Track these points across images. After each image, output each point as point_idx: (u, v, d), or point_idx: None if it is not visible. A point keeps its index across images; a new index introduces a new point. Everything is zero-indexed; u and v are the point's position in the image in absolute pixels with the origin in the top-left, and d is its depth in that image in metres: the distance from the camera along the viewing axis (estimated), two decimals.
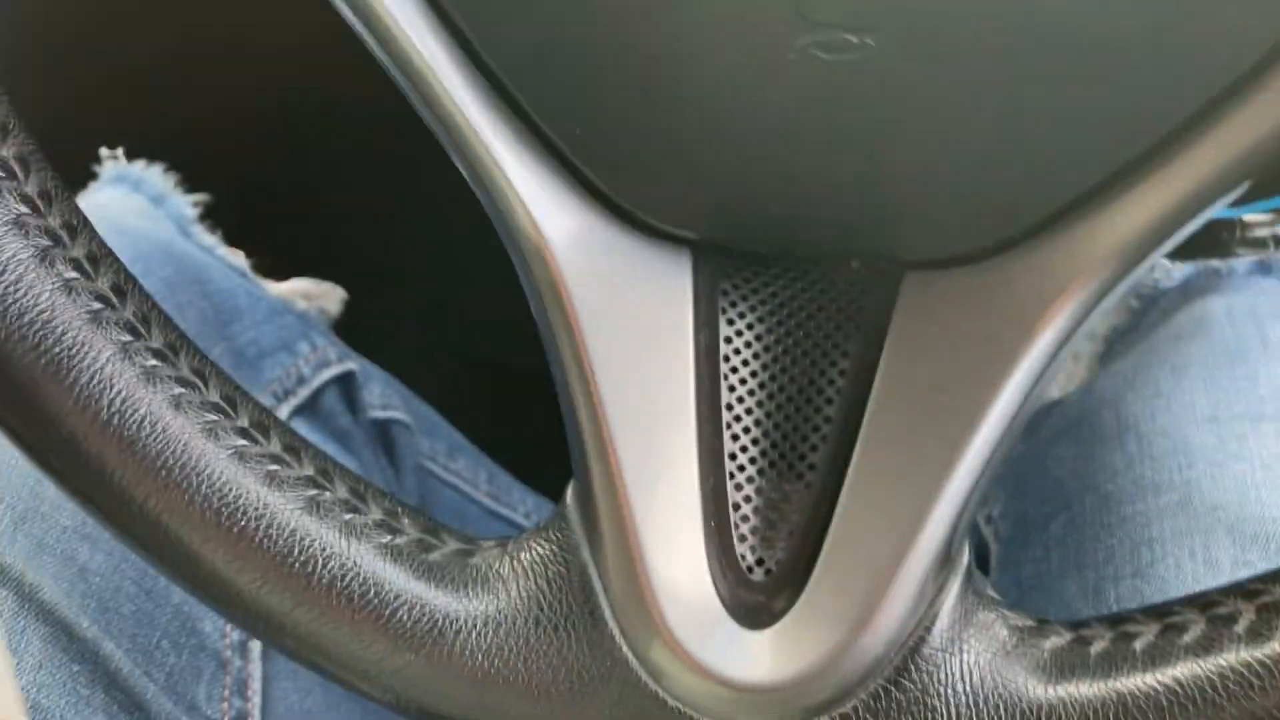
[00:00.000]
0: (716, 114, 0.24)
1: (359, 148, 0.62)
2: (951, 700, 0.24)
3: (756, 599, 0.25)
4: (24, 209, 0.24)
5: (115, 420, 0.24)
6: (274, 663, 0.38)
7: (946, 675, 0.24)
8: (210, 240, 0.47)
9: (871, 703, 0.24)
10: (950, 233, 0.25)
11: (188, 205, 0.47)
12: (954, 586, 0.25)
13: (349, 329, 0.54)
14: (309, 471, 0.26)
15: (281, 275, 0.52)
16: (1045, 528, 0.42)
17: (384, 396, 0.50)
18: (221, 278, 0.45)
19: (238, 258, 0.48)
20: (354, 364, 0.48)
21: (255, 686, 0.37)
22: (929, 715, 0.24)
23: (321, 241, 0.60)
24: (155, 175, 0.47)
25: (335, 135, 0.61)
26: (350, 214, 0.62)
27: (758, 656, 0.24)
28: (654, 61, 0.24)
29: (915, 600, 0.24)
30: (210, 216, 0.49)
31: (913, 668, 0.24)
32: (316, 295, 0.52)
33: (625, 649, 0.24)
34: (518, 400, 0.54)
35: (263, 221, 0.51)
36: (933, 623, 0.24)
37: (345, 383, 0.47)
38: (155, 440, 0.24)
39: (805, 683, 0.24)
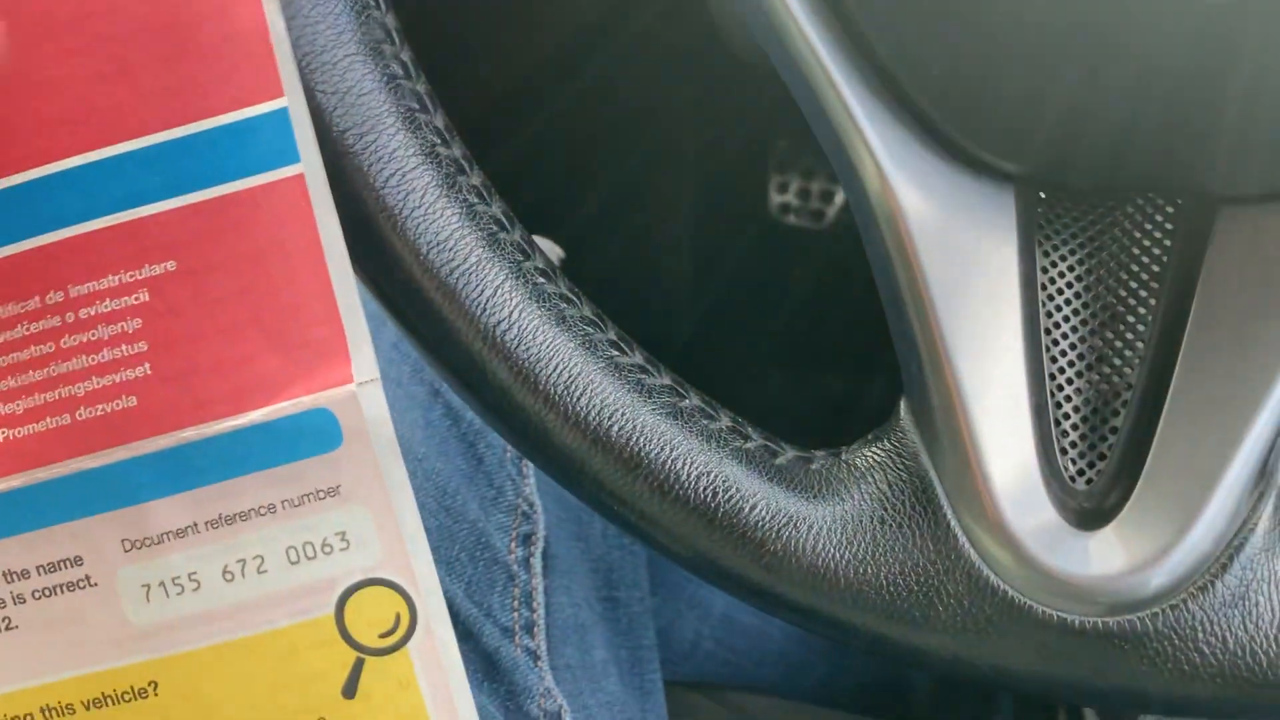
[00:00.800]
0: (1054, 52, 0.26)
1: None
2: (1273, 598, 0.26)
3: (1084, 505, 0.27)
4: (436, 140, 0.27)
5: (514, 331, 0.27)
6: (553, 578, 0.42)
7: (1268, 574, 0.26)
8: None
9: (1199, 595, 0.26)
10: (1267, 168, 0.27)
11: None
12: (1270, 499, 0.27)
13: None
14: (667, 381, 0.28)
15: None
16: None
17: None
18: None
19: None
20: None
21: (539, 599, 0.40)
22: (1252, 610, 0.26)
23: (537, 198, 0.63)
24: None
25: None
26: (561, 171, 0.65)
27: (1094, 554, 0.26)
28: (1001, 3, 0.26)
29: (1237, 507, 0.26)
30: None
31: (1236, 566, 0.26)
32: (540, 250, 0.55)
33: (967, 545, 0.27)
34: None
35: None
36: (1253, 528, 0.26)
37: None
38: (547, 350, 0.27)
39: (1141, 576, 0.26)
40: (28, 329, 0.25)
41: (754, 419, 0.29)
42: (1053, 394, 0.28)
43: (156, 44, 0.24)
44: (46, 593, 0.25)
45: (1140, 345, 0.28)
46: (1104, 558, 0.26)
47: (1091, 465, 0.28)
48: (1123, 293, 0.29)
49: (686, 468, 0.27)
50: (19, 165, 0.24)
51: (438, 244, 0.27)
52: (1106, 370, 0.28)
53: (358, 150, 0.26)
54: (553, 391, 0.27)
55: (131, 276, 0.24)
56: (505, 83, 0.68)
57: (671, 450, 0.27)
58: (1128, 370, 0.28)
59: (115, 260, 0.24)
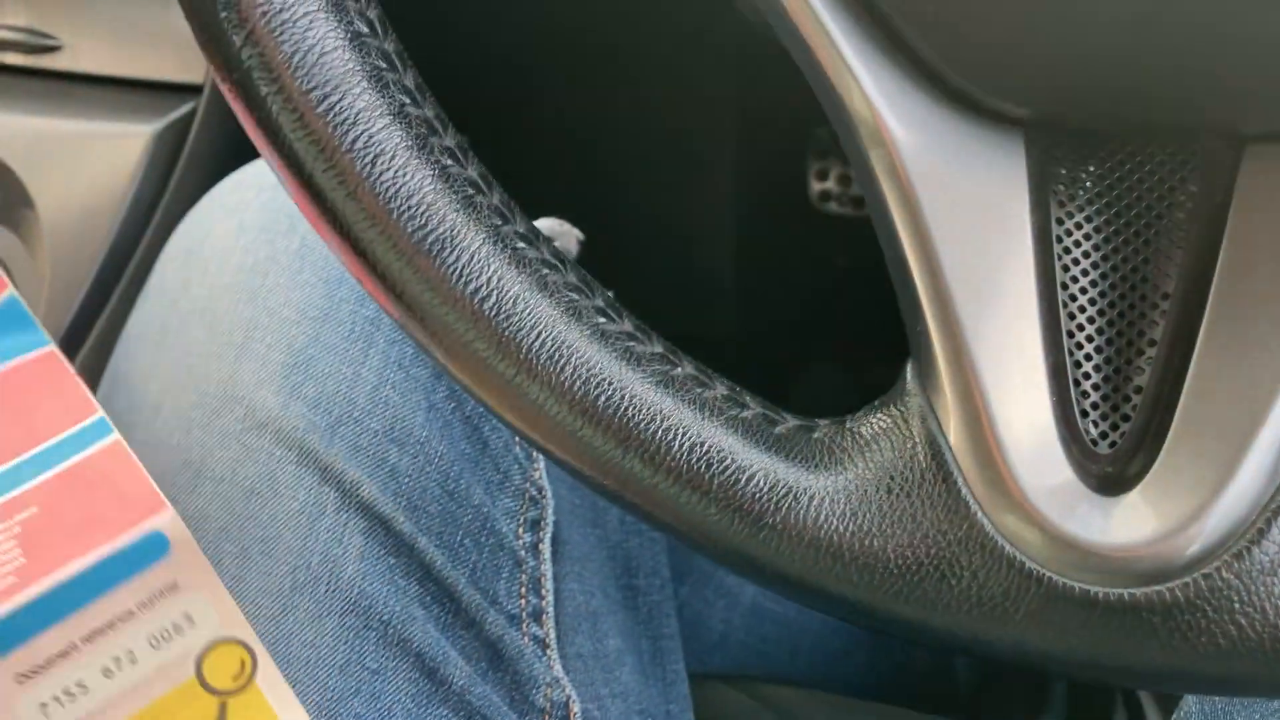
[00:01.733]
0: None
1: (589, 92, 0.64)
2: None
3: (1105, 470, 0.25)
4: (405, 99, 0.26)
5: (493, 298, 0.26)
6: (562, 564, 0.40)
7: None
8: None
9: (1234, 563, 0.24)
10: None
11: None
12: None
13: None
14: (659, 349, 0.27)
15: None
16: None
17: None
18: None
19: None
20: None
21: (548, 586, 0.39)
22: None
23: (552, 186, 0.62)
24: None
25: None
26: (577, 161, 0.64)
27: (1118, 521, 0.24)
28: None
29: (1273, 467, 0.24)
30: None
31: (1275, 530, 0.24)
32: (559, 234, 0.54)
33: (981, 515, 0.25)
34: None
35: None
36: None
37: None
38: (529, 317, 0.26)
39: (1168, 544, 0.24)
40: None
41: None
42: (1071, 353, 0.26)
43: None
44: None
45: (1164, 300, 0.26)
46: (1130, 524, 0.24)
47: (1115, 427, 0.26)
48: (1145, 244, 0.27)
49: (678, 438, 0.26)
50: None
51: (408, 209, 0.25)
52: (1128, 327, 0.26)
53: (321, 112, 0.25)
54: (535, 361, 0.26)
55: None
56: (541, 69, 0.67)
57: (662, 420, 0.26)
58: (1151, 327, 0.26)
59: None
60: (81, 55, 0.57)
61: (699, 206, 0.74)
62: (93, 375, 0.48)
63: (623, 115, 0.69)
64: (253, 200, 0.45)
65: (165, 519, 0.32)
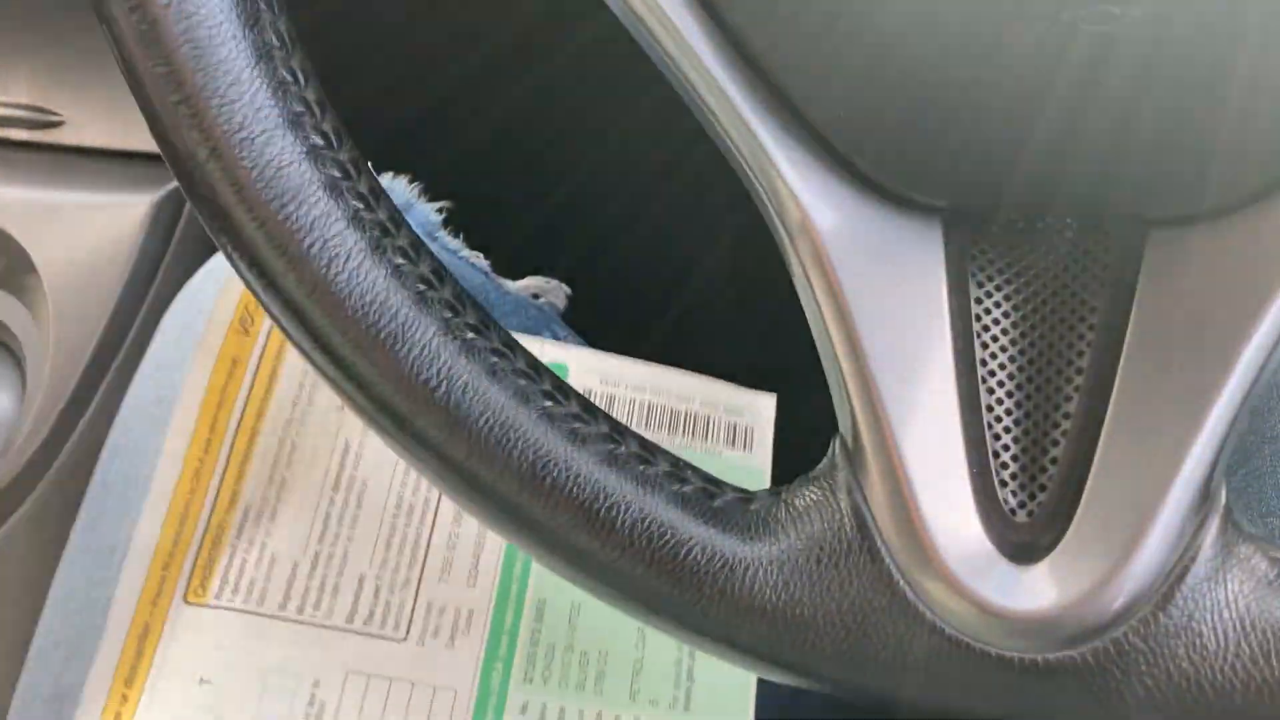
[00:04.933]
0: (971, 85, 0.26)
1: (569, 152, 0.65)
2: (1218, 626, 0.25)
3: (1022, 538, 0.27)
4: (360, 205, 0.28)
5: (443, 387, 0.28)
6: None
7: (1211, 603, 0.26)
8: (455, 244, 0.51)
9: (1141, 628, 0.26)
10: (1195, 190, 0.27)
11: (433, 212, 0.51)
12: (1213, 522, 0.26)
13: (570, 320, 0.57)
14: (604, 429, 0.29)
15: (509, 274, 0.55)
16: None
17: None
18: (469, 277, 0.49)
19: (479, 259, 0.52)
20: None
21: None
22: (1195, 640, 0.25)
23: (536, 241, 0.64)
24: (401, 185, 0.51)
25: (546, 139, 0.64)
26: (565, 214, 0.66)
27: (1030, 588, 0.26)
28: (910, 34, 0.26)
29: (1179, 534, 0.26)
30: (450, 223, 0.53)
31: (1179, 596, 0.26)
32: (546, 290, 0.56)
33: (903, 583, 0.27)
34: None
35: (485, 225, 0.55)
36: (1195, 555, 0.26)
37: None
38: (478, 404, 0.28)
39: (1078, 610, 0.26)
40: None
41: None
42: (990, 425, 0.28)
43: None
44: None
45: (1078, 375, 0.28)
46: (1041, 591, 0.26)
47: (1032, 497, 0.27)
48: (1060, 321, 0.28)
49: (621, 513, 0.28)
50: None
51: (363, 307, 0.27)
52: (1044, 401, 0.28)
53: (281, 219, 0.27)
54: (485, 444, 0.28)
55: None
56: (532, 80, 0.68)
57: (606, 497, 0.28)
58: (1065, 400, 0.28)
59: None
60: (82, 129, 0.59)
61: (694, 228, 0.75)
62: (95, 444, 0.50)
63: (613, 143, 0.70)
64: None
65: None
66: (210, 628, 0.36)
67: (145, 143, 0.61)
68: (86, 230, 0.59)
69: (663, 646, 0.36)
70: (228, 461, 0.39)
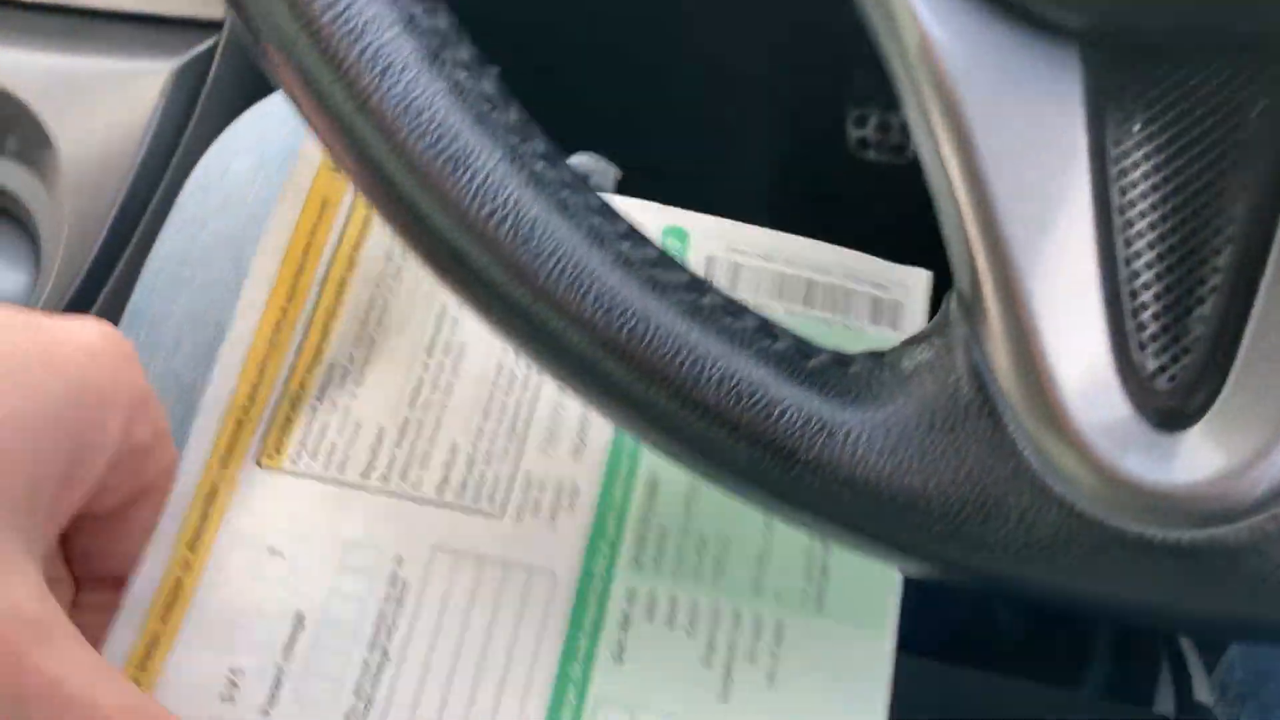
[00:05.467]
0: None
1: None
2: None
3: (1165, 404, 0.24)
4: (415, 9, 0.24)
5: (509, 221, 0.24)
6: None
7: None
8: None
9: None
10: None
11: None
12: None
13: None
14: (686, 278, 0.25)
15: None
16: None
17: None
18: None
19: None
20: None
21: None
22: None
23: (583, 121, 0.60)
24: None
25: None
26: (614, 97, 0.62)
27: (1178, 458, 0.23)
28: None
29: None
30: None
31: None
32: (595, 170, 0.53)
33: (1029, 452, 0.24)
34: None
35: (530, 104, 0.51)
36: None
37: None
38: (548, 242, 0.24)
39: (1233, 482, 0.22)
40: None
41: None
42: (1128, 281, 0.24)
43: None
44: None
45: (1230, 225, 0.24)
46: (1191, 463, 0.23)
47: (1175, 360, 0.24)
48: (1209, 166, 0.25)
49: (705, 370, 0.24)
50: None
51: (418, 127, 0.24)
52: (1190, 254, 0.24)
53: (326, 22, 0.24)
54: (555, 289, 0.24)
55: None
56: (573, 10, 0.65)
57: (689, 352, 0.24)
58: (1215, 254, 0.24)
59: None
60: None
61: (731, 154, 0.72)
62: (113, 314, 0.47)
63: (654, 57, 0.67)
64: (274, 134, 0.43)
65: None
66: (285, 495, 0.32)
67: (166, 6, 0.57)
68: (104, 99, 0.55)
69: (793, 535, 0.32)
70: (313, 315, 0.34)
